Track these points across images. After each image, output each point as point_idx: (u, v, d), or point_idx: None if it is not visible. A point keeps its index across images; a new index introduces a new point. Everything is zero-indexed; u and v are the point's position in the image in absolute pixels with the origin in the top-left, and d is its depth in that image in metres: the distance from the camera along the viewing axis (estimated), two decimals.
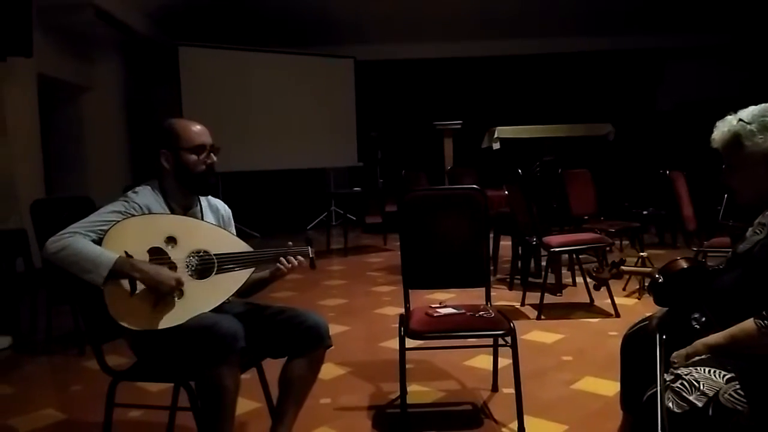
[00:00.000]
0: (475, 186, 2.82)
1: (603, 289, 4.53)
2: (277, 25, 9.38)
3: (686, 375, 1.54)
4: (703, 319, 1.72)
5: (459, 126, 8.16)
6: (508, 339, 2.44)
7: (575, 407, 2.68)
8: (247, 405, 2.63)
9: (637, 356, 1.95)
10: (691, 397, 1.49)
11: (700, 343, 1.63)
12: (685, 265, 1.82)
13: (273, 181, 9.41)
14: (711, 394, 1.49)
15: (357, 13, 9.31)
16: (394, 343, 3.61)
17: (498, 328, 2.41)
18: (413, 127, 10.00)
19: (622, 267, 2.03)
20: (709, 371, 1.54)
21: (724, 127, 1.73)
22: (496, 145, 7.34)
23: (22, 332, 4.32)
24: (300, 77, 9.10)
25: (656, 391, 1.53)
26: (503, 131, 7.29)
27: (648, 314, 2.03)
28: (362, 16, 9.47)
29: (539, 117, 8.31)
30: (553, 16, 9.61)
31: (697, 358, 1.61)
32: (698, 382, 1.51)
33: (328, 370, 3.10)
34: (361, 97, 9.79)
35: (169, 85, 8.34)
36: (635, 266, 2.59)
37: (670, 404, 1.50)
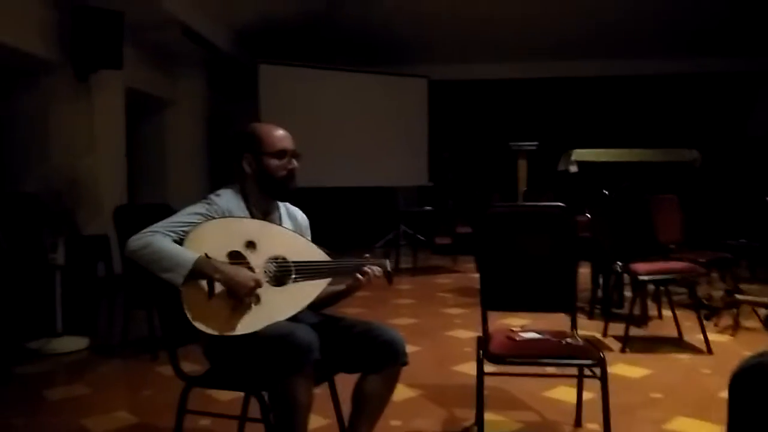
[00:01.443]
0: (561, 204, 2.66)
1: (691, 323, 4.27)
2: (353, 45, 9.48)
3: None
4: None
5: (534, 147, 7.96)
6: (596, 370, 2.27)
7: None
8: (316, 421, 2.55)
9: (753, 398, 1.74)
10: None
11: None
12: None
13: (342, 198, 9.45)
14: None
15: (432, 33, 9.30)
16: (467, 368, 3.49)
17: (587, 357, 2.23)
18: (486, 148, 9.85)
19: (737, 295, 1.83)
20: None
21: None
22: (574, 168, 7.08)
23: (99, 335, 4.42)
24: (374, 96, 9.13)
25: None
26: (581, 154, 7.03)
27: (755, 351, 1.81)
28: (437, 37, 9.45)
29: (619, 140, 8.00)
30: (636, 36, 9.28)
31: None
32: None
33: (399, 391, 2.95)
34: (434, 116, 9.72)
35: (248, 101, 8.53)
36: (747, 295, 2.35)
37: None
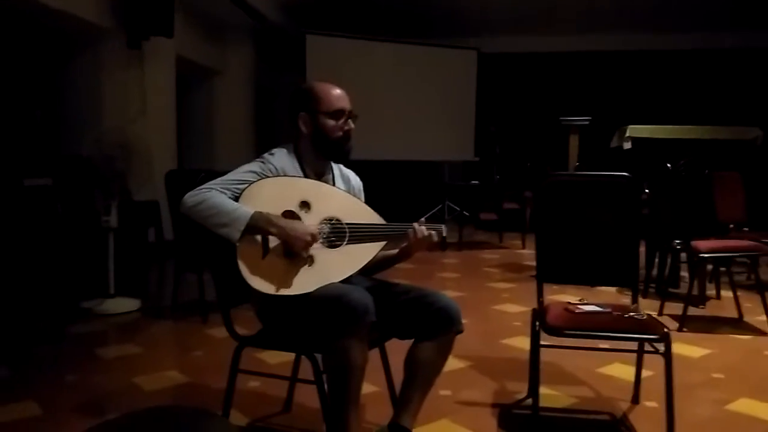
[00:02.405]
0: (625, 174, 2.54)
1: (751, 304, 4.08)
2: (401, 15, 9.32)
3: None
4: None
5: (587, 122, 7.71)
6: (659, 346, 2.16)
7: (732, 430, 2.34)
8: (366, 388, 2.49)
9: None
10: None
11: None
12: None
13: (388, 171, 9.37)
14: None
15: (483, 3, 9.05)
16: (516, 341, 3.42)
17: (651, 332, 2.13)
18: (535, 123, 9.61)
19: None
20: None
21: None
22: (627, 145, 6.85)
23: (150, 297, 4.50)
24: (421, 68, 8.99)
25: None
26: (637, 130, 6.79)
27: None
28: (488, 7, 9.19)
29: (674, 117, 7.68)
30: (698, 8, 8.85)
31: None
32: None
33: (448, 362, 2.93)
34: (482, 89, 9.52)
35: (295, 72, 8.52)
36: None
37: None
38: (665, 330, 2.12)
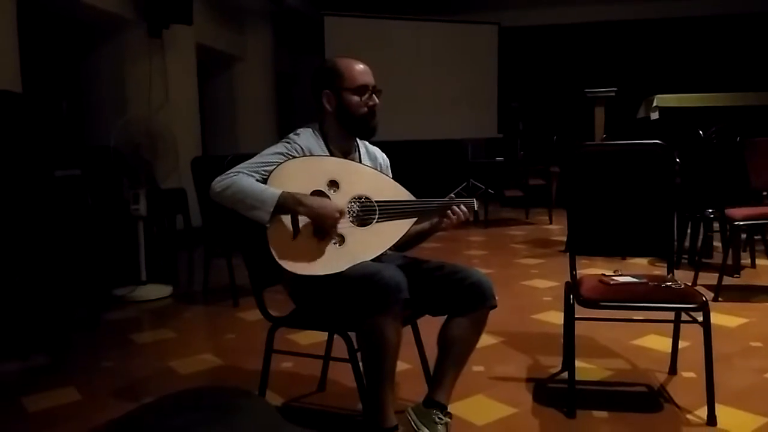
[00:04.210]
0: (659, 141, 2.48)
1: None
2: None
3: None
4: None
5: (613, 94, 7.55)
6: (697, 316, 2.12)
7: None
8: (399, 365, 2.50)
9: None
10: None
11: None
12: None
13: (411, 151, 9.32)
14: None
15: None
16: (548, 316, 3.40)
17: (690, 302, 2.09)
18: (559, 96, 9.46)
19: None
20: None
21: None
22: (655, 115, 6.72)
23: (181, 283, 4.56)
24: (441, 45, 8.88)
25: None
26: (664, 99, 6.65)
27: None
28: None
29: (702, 85, 7.49)
30: None
31: None
32: None
33: (480, 338, 2.92)
34: (503, 65, 9.38)
35: (315, 56, 8.47)
36: None
37: None
38: (704, 299, 2.08)
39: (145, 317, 3.79)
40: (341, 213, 1.89)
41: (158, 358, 2.95)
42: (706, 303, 2.06)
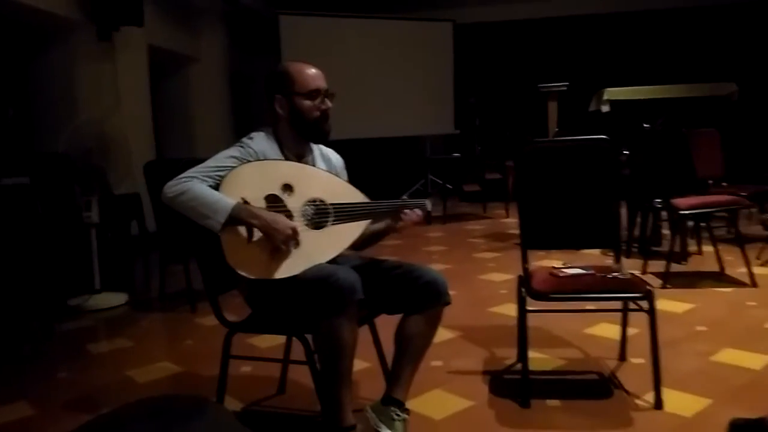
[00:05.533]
0: (604, 136, 2.56)
1: (732, 257, 4.16)
2: None
3: None
4: None
5: (565, 88, 7.72)
6: (643, 304, 2.21)
7: (717, 380, 2.41)
8: (358, 364, 2.53)
9: None
10: None
11: None
12: None
13: (369, 149, 9.35)
14: None
15: None
16: (504, 309, 3.47)
17: (635, 291, 2.17)
18: (514, 91, 9.60)
19: None
20: None
21: None
22: (606, 108, 6.89)
23: (137, 290, 4.49)
24: (398, 43, 8.93)
25: None
26: (614, 93, 6.82)
27: None
28: None
29: (651, 77, 7.70)
30: None
31: None
32: None
33: (437, 333, 2.95)
34: (459, 61, 9.48)
35: (270, 55, 8.42)
36: None
37: None
38: (648, 287, 2.16)
39: (101, 326, 3.72)
40: (294, 231, 1.89)
41: (115, 368, 2.91)
42: (649, 292, 2.14)
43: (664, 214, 4.56)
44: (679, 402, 2.21)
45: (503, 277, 4.20)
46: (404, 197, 2.10)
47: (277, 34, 8.21)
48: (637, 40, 9.63)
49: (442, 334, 3.04)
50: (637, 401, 2.25)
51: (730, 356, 2.64)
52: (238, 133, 8.66)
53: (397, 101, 8.92)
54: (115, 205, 5.16)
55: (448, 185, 8.65)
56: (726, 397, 2.26)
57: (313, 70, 2.09)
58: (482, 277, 4.28)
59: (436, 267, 4.66)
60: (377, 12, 9.07)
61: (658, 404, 2.17)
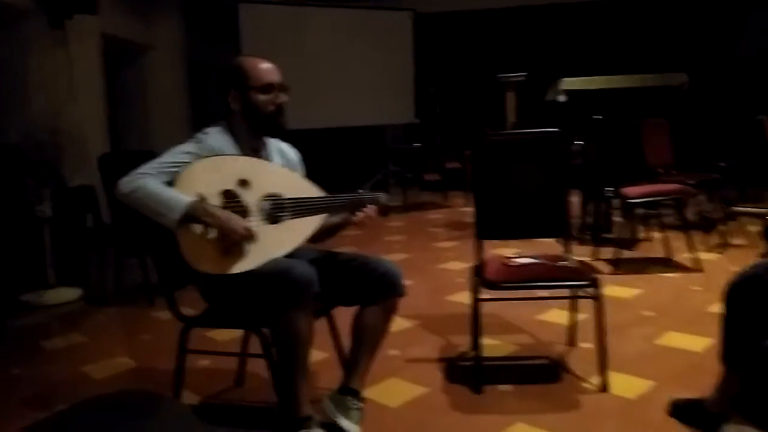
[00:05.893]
0: (555, 129, 2.63)
1: (680, 243, 4.32)
2: None
3: None
4: None
5: (523, 78, 7.83)
6: (590, 291, 2.29)
7: (661, 363, 2.52)
8: (316, 355, 2.57)
9: (748, 307, 1.77)
10: None
11: None
12: None
13: (329, 138, 9.33)
14: None
15: None
16: (461, 297, 3.54)
17: (582, 278, 2.26)
18: (474, 81, 9.69)
19: (734, 207, 1.82)
20: None
21: None
22: (562, 98, 7.01)
23: (92, 285, 4.42)
24: (358, 32, 8.91)
25: None
26: (570, 83, 6.94)
27: (746, 265, 1.83)
28: None
29: (608, 67, 7.86)
30: None
31: None
32: None
33: (396, 323, 2.96)
34: (419, 51, 9.51)
35: (229, 43, 8.31)
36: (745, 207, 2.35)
37: None
38: (594, 275, 2.25)
39: (55, 322, 3.66)
40: (249, 232, 1.90)
41: (70, 364, 2.88)
42: (595, 279, 2.23)
43: (615, 202, 4.70)
44: (624, 384, 2.31)
45: (461, 265, 4.27)
46: (361, 191, 2.13)
47: (236, 23, 8.11)
48: (593, 30, 9.80)
49: (400, 323, 3.10)
50: (585, 384, 2.35)
51: (674, 339, 2.77)
52: (196, 123, 8.53)
53: (358, 90, 8.91)
54: (69, 198, 5.05)
55: (408, 174, 8.71)
56: (669, 378, 2.37)
57: (267, 65, 2.10)
58: (441, 266, 4.35)
59: (396, 256, 4.73)
60: (338, 1, 9.02)
61: (604, 387, 2.27)
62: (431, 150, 8.64)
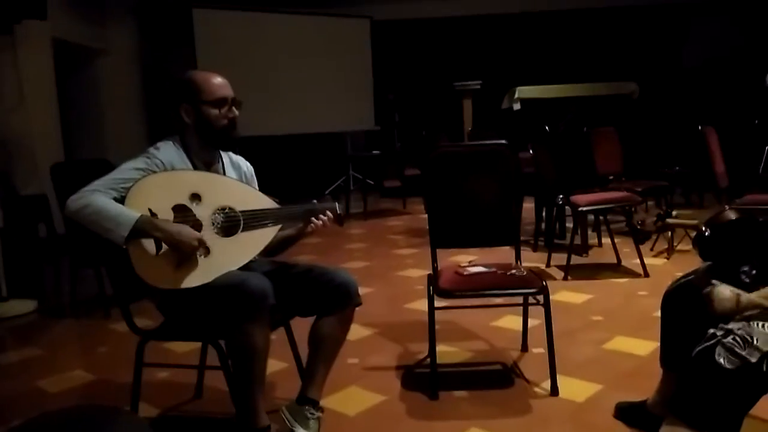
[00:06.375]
0: (503, 141, 2.73)
1: (629, 249, 4.48)
2: None
3: (738, 330, 1.47)
4: (754, 272, 1.63)
5: (478, 87, 7.98)
6: (540, 298, 2.38)
7: (608, 367, 2.63)
8: (275, 365, 2.61)
9: (681, 312, 1.88)
10: (743, 353, 1.43)
11: (752, 296, 1.55)
12: (733, 216, 1.74)
13: (289, 145, 9.33)
14: (766, 349, 1.42)
15: None
16: (419, 305, 3.60)
17: (531, 287, 2.35)
18: (432, 89, 9.81)
19: (668, 220, 1.93)
20: (764, 326, 1.47)
21: None
22: (517, 106, 7.16)
23: (47, 297, 4.34)
24: (315, 39, 8.94)
25: (706, 346, 1.47)
26: (524, 91, 7.11)
27: (682, 272, 1.94)
28: None
29: (561, 76, 8.08)
30: None
31: (748, 312, 1.54)
32: (752, 337, 1.44)
33: (355, 331, 3.03)
34: (377, 58, 9.60)
35: (184, 48, 8.23)
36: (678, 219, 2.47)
37: (722, 360, 1.44)
38: (543, 283, 2.34)
39: (9, 336, 3.59)
40: (200, 242, 1.91)
41: (25, 379, 2.83)
42: (544, 287, 2.31)
43: (567, 209, 4.85)
44: (572, 388, 2.41)
45: (420, 273, 4.35)
46: (315, 201, 2.17)
47: (191, 28, 8.04)
48: (547, 40, 10.05)
49: (359, 332, 3.15)
50: (536, 389, 2.43)
51: (621, 344, 2.88)
52: (152, 129, 8.42)
53: (317, 97, 8.94)
54: (21, 208, 4.94)
55: (369, 181, 8.77)
56: (615, 382, 2.47)
57: (219, 79, 2.12)
58: (400, 274, 4.41)
59: (356, 264, 4.78)
60: (294, 7, 9.03)
61: (554, 391, 2.36)
62: (391, 157, 8.72)
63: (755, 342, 1.44)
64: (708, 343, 1.48)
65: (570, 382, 2.45)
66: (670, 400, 1.88)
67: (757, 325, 1.47)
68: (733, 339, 1.45)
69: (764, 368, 1.41)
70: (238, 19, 8.38)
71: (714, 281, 1.61)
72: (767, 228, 1.71)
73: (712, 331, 1.51)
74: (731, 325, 1.50)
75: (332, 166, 9.46)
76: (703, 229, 1.76)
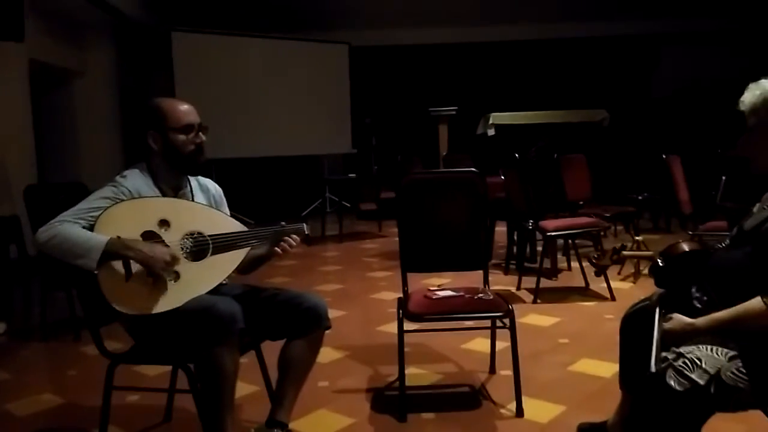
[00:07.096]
0: (473, 169, 2.81)
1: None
2: (271, 10, 9.30)
3: (688, 353, 1.54)
4: (705, 297, 1.71)
5: (454, 112, 8.14)
6: (506, 321, 2.45)
7: (573, 388, 2.69)
8: (245, 388, 2.63)
9: (637, 336, 1.95)
10: (693, 375, 1.49)
11: (703, 320, 1.63)
12: (686, 248, 1.82)
13: (267, 168, 9.37)
14: (713, 371, 1.49)
15: None
16: (391, 327, 3.64)
17: (497, 310, 2.41)
18: (408, 114, 9.96)
19: (624, 252, 2.02)
20: (711, 349, 1.54)
21: (757, 89, 1.68)
22: (491, 131, 7.35)
23: (17, 319, 4.30)
24: (294, 63, 9.05)
25: (658, 368, 1.54)
26: (498, 117, 7.30)
27: (646, 296, 2.03)
28: (357, 1, 9.41)
29: (534, 103, 8.30)
30: (549, 1, 9.58)
31: (698, 337, 1.61)
32: (700, 360, 1.51)
33: (326, 354, 3.09)
34: (355, 83, 9.73)
35: (162, 71, 8.27)
36: (633, 250, 2.57)
37: (672, 382, 1.50)
38: (509, 307, 2.40)
39: None
40: (173, 257, 1.95)
41: None
42: (509, 311, 2.38)
43: (538, 233, 4.95)
44: (537, 409, 2.46)
45: (393, 295, 4.39)
46: (282, 224, 2.22)
47: (170, 50, 8.08)
48: (522, 67, 10.29)
49: (330, 354, 3.18)
50: (502, 410, 2.48)
51: (585, 366, 2.95)
52: (128, 153, 8.38)
53: (295, 120, 9.02)
54: None
55: (345, 204, 8.83)
56: (578, 403, 2.53)
57: (185, 106, 2.16)
58: (374, 296, 4.45)
59: (330, 287, 4.81)
60: (274, 32, 9.14)
61: (519, 412, 2.41)
62: (367, 180, 8.81)
63: (703, 365, 1.51)
64: (660, 366, 1.55)
65: (535, 404, 2.51)
66: (625, 420, 1.95)
67: (706, 348, 1.55)
68: (683, 362, 1.52)
69: (712, 390, 1.48)
70: (216, 43, 8.46)
71: (672, 315, 1.68)
72: (719, 254, 1.80)
73: (663, 354, 1.58)
74: (682, 349, 1.57)
75: (309, 188, 9.51)
76: (658, 260, 1.84)
